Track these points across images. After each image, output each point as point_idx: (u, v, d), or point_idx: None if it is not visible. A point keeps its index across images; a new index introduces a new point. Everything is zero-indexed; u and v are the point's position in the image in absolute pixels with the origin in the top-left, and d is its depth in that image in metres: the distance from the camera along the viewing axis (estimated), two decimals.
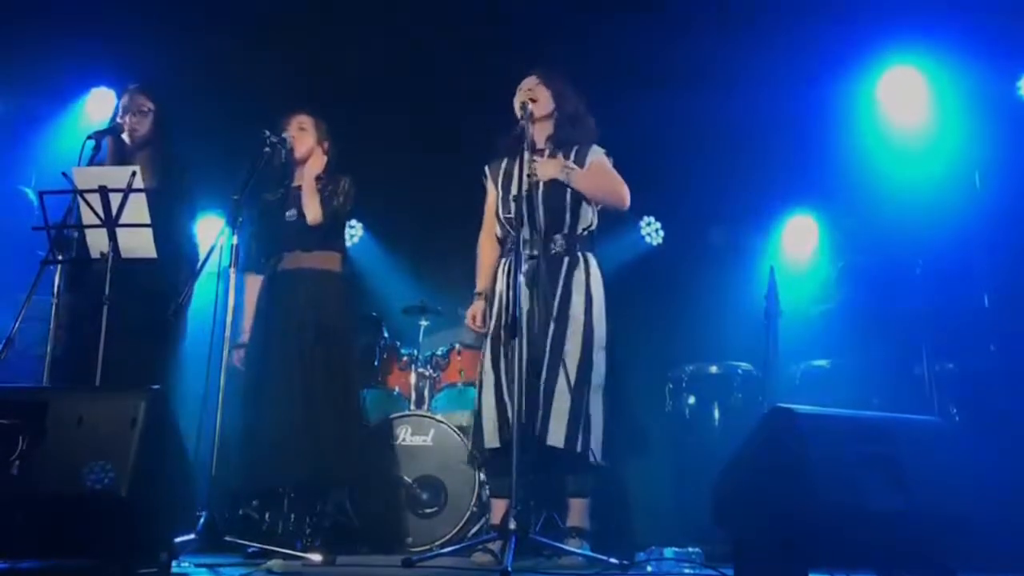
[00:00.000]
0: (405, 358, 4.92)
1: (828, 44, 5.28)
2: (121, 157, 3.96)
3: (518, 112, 3.62)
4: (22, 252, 4.44)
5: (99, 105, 5.77)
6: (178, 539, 2.93)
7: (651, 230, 6.27)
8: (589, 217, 3.68)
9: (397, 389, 4.90)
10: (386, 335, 4.99)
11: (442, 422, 4.52)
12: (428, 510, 4.39)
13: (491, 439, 3.47)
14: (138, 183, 3.48)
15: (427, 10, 5.67)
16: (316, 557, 3.47)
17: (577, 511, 3.54)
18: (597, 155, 3.72)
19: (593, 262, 3.65)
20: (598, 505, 3.67)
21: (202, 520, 3.39)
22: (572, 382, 3.43)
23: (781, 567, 2.60)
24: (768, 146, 5.55)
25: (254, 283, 4.07)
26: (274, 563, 3.25)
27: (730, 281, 5.65)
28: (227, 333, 3.70)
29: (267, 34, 5.66)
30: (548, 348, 3.46)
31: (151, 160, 3.92)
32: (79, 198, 3.51)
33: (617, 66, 5.63)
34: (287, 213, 4.01)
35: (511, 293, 3.52)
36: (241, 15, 5.60)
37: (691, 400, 4.75)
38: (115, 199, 3.48)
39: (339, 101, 4.92)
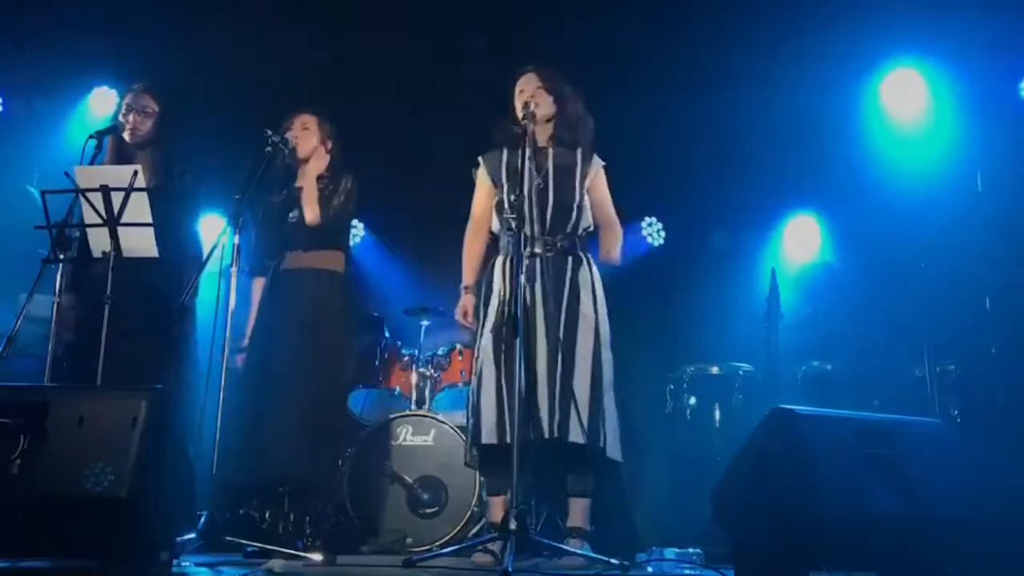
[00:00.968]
0: (406, 358, 4.92)
1: (831, 46, 5.28)
2: (121, 156, 3.96)
3: (519, 112, 3.60)
4: (24, 251, 4.45)
5: (101, 104, 5.78)
6: (179, 538, 2.93)
7: (652, 231, 6.27)
8: (589, 219, 3.69)
9: (398, 389, 4.90)
10: (387, 335, 5.00)
11: (443, 422, 4.52)
12: (429, 510, 4.39)
13: (488, 436, 3.46)
14: (139, 182, 3.48)
15: (428, 10, 5.67)
16: (317, 557, 3.47)
17: (579, 511, 3.53)
18: (598, 169, 3.72)
19: (593, 262, 3.66)
20: (599, 505, 3.66)
21: (203, 519, 3.39)
22: (588, 380, 3.43)
23: (782, 568, 2.60)
24: (770, 147, 5.55)
25: (259, 287, 4.07)
26: (275, 563, 3.25)
27: (731, 282, 5.66)
28: (228, 332, 3.71)
29: (270, 34, 5.66)
30: (561, 346, 3.46)
31: (152, 159, 3.92)
32: (81, 197, 3.51)
33: (619, 66, 5.63)
34: (290, 214, 4.01)
35: (511, 290, 3.52)
36: (243, 15, 5.60)
37: (692, 401, 4.74)
38: (117, 198, 3.48)
39: (340, 101, 4.91)
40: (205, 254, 3.71)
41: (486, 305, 3.64)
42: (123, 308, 3.53)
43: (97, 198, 3.48)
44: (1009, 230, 4.64)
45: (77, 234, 3.66)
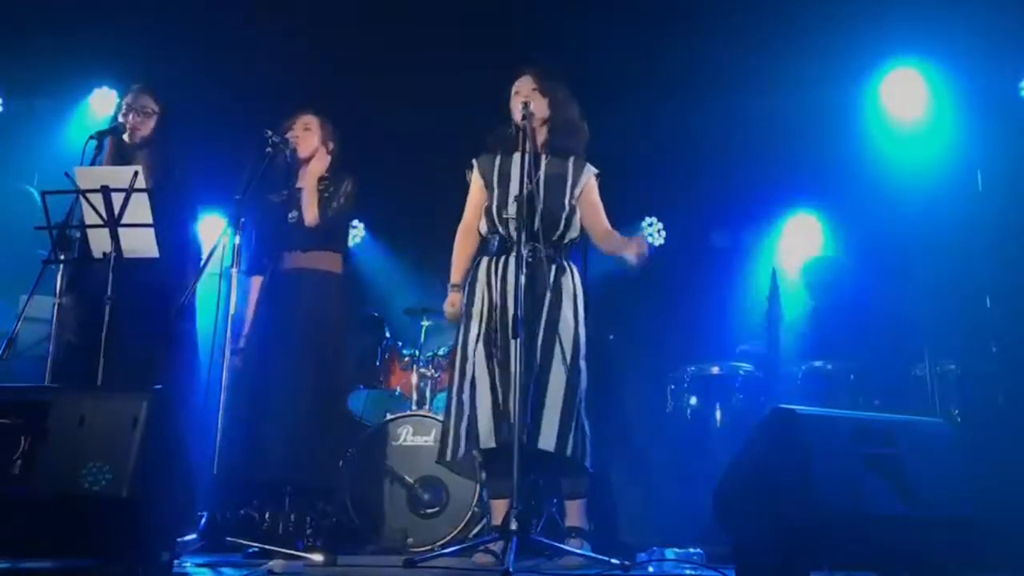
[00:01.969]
0: (407, 358, 4.92)
1: (831, 45, 5.28)
2: (121, 157, 3.96)
3: (518, 113, 3.58)
4: (24, 252, 4.45)
5: (102, 105, 5.79)
6: (180, 539, 2.93)
7: (653, 231, 6.27)
8: (577, 229, 3.66)
9: (398, 389, 4.90)
10: (388, 335, 5.00)
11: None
12: (429, 510, 4.39)
13: (487, 440, 3.45)
14: (140, 183, 3.48)
15: (430, 10, 5.68)
16: (317, 557, 3.47)
17: (575, 511, 3.53)
18: (590, 177, 3.69)
19: (576, 271, 3.64)
20: (599, 506, 3.66)
21: (203, 520, 3.39)
22: (564, 387, 3.41)
23: (782, 568, 2.60)
24: (770, 146, 5.55)
25: (257, 285, 4.06)
26: (275, 563, 3.25)
27: (732, 281, 5.66)
28: (228, 333, 3.71)
29: (270, 34, 5.66)
30: (539, 351, 3.45)
31: (152, 160, 3.92)
32: (81, 198, 3.51)
33: (619, 66, 5.63)
34: (290, 214, 4.01)
35: (500, 293, 3.51)
36: (244, 15, 5.60)
37: (692, 401, 4.74)
38: (117, 199, 3.48)
39: (341, 100, 4.91)
40: (204, 254, 3.71)
41: (469, 306, 3.62)
42: (123, 308, 3.52)
43: (97, 199, 3.48)
44: (1009, 229, 4.64)
45: (78, 235, 3.66)
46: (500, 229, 3.62)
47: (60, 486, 2.44)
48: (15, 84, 5.81)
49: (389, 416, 4.62)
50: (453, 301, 3.70)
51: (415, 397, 4.83)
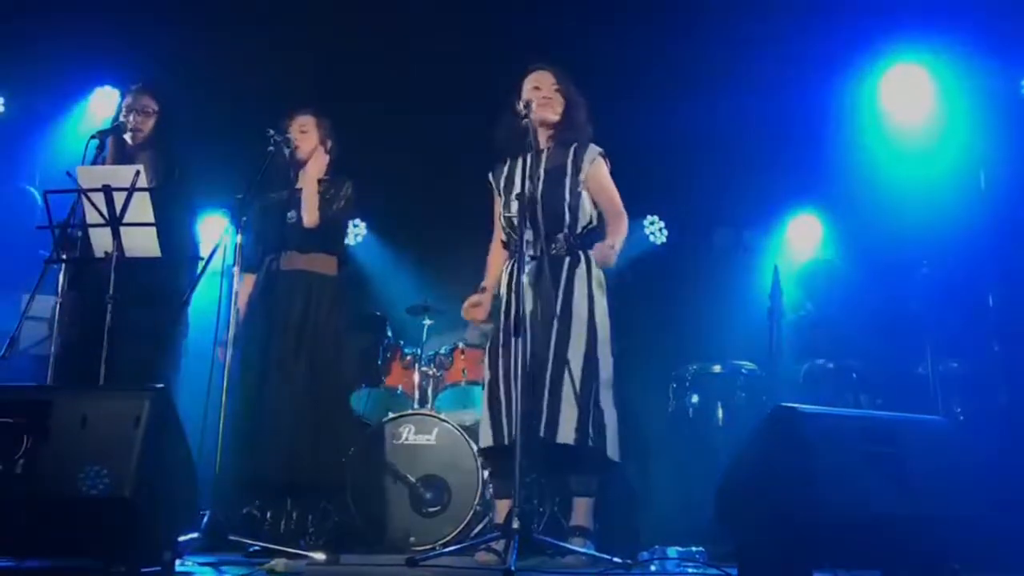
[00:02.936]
0: (408, 357, 4.92)
1: (832, 43, 5.28)
2: (123, 156, 3.96)
3: (522, 108, 3.54)
4: (26, 251, 4.46)
5: (103, 105, 5.77)
6: (182, 538, 2.93)
7: (655, 229, 6.27)
8: (588, 213, 3.64)
9: (400, 388, 4.90)
10: (389, 334, 5.00)
11: (445, 421, 4.52)
12: (432, 509, 4.39)
13: (485, 439, 3.49)
14: (142, 182, 3.48)
15: (431, 10, 5.67)
16: (319, 556, 3.47)
17: (581, 510, 3.53)
18: (595, 157, 3.67)
19: (594, 260, 3.64)
20: (602, 504, 3.66)
21: (206, 519, 3.39)
22: (578, 380, 3.42)
23: (784, 566, 2.60)
24: (772, 145, 5.55)
25: (248, 282, 4.05)
26: (277, 562, 3.24)
27: (734, 280, 5.65)
28: (231, 332, 3.72)
29: (270, 34, 5.66)
30: (552, 347, 3.46)
31: (153, 159, 3.92)
32: (83, 197, 3.51)
33: (622, 66, 5.63)
34: (288, 214, 4.01)
35: (513, 294, 3.53)
36: (244, 15, 5.60)
37: (695, 399, 4.74)
38: (119, 198, 3.48)
39: (343, 100, 4.92)
40: (204, 253, 3.71)
41: (497, 310, 3.68)
42: (125, 308, 3.52)
43: (99, 198, 3.48)
44: (1012, 228, 4.63)
45: (79, 234, 3.66)
46: (511, 232, 3.64)
47: (62, 485, 2.44)
48: (16, 84, 5.81)
49: (391, 415, 4.62)
50: (473, 301, 3.71)
51: (417, 396, 4.83)
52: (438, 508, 4.39)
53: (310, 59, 5.73)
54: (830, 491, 2.54)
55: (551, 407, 3.38)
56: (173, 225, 3.84)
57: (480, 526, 4.33)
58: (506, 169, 3.77)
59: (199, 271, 3.57)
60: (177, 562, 2.76)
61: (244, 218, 3.71)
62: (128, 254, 3.53)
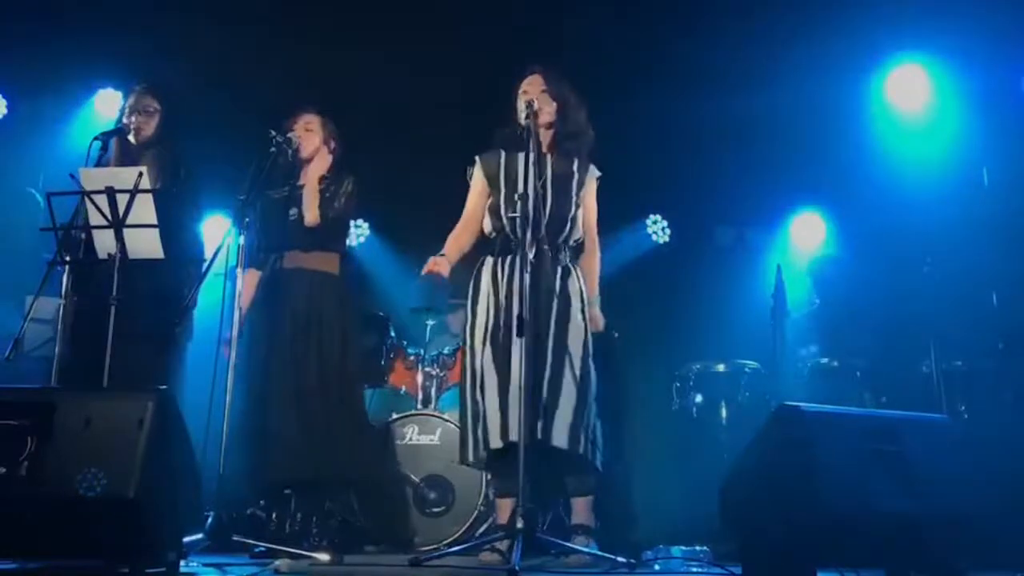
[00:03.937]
0: (412, 357, 4.92)
1: (835, 43, 5.27)
2: (126, 157, 3.96)
3: (522, 111, 3.57)
4: (29, 253, 4.46)
5: (106, 106, 5.79)
6: (186, 539, 2.93)
7: (657, 228, 6.27)
8: (580, 230, 3.67)
9: (404, 388, 4.90)
10: (393, 334, 4.99)
11: (449, 421, 4.52)
12: (435, 509, 4.39)
13: (495, 439, 3.46)
14: (144, 183, 3.48)
15: (434, 9, 5.67)
16: (323, 556, 3.48)
17: (581, 509, 3.53)
18: (593, 180, 3.71)
19: (580, 273, 3.64)
20: (605, 504, 3.66)
21: (210, 520, 3.39)
22: (575, 384, 3.42)
23: (789, 565, 2.60)
24: (775, 143, 5.54)
25: (252, 278, 4.04)
26: (281, 563, 3.25)
27: (737, 279, 5.65)
28: (234, 333, 3.72)
29: (273, 34, 5.66)
30: (551, 350, 3.45)
31: (157, 160, 3.92)
32: (86, 199, 3.51)
33: (623, 64, 5.63)
34: (290, 212, 4.01)
35: (506, 293, 3.51)
36: (246, 15, 5.61)
37: (698, 398, 4.74)
38: (122, 200, 3.48)
39: (345, 100, 4.92)
40: (207, 254, 3.71)
41: (474, 304, 3.62)
42: (128, 309, 3.53)
43: (102, 200, 3.49)
44: (1015, 225, 4.62)
45: (83, 236, 3.67)
46: (506, 228, 3.61)
47: (66, 487, 2.44)
48: (20, 86, 5.82)
49: (394, 415, 4.62)
50: (437, 261, 3.61)
51: (420, 396, 4.83)
52: (442, 508, 4.40)
53: (311, 59, 5.73)
54: (834, 490, 2.54)
55: (549, 410, 3.37)
56: (177, 226, 3.85)
57: (484, 526, 4.32)
58: (503, 160, 3.71)
59: (202, 272, 3.58)
60: (181, 563, 2.76)
61: (247, 219, 3.71)
62: (131, 256, 3.54)
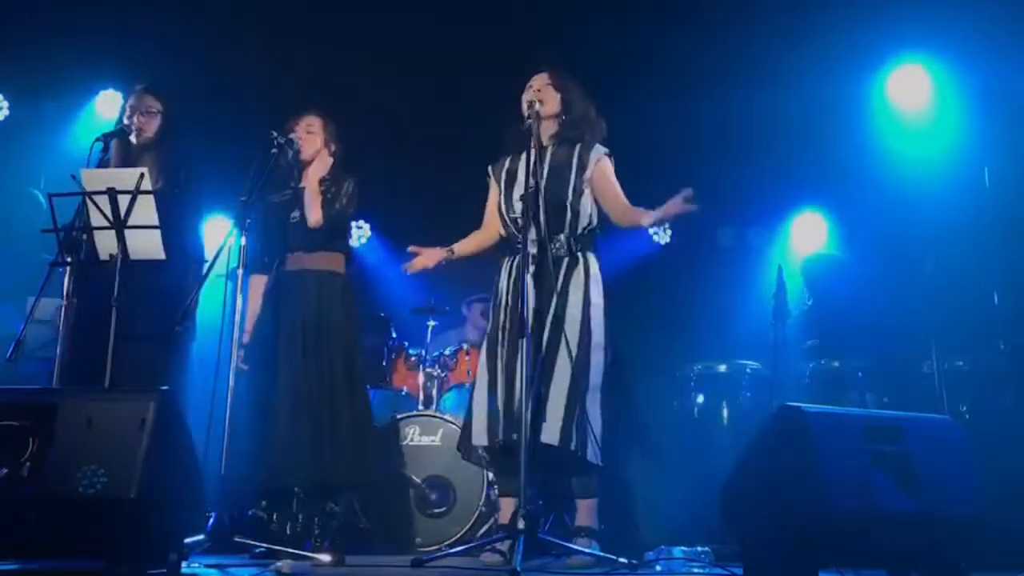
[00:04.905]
0: (413, 358, 4.93)
1: (837, 43, 5.27)
2: (127, 158, 3.96)
3: (525, 110, 3.61)
4: (30, 254, 4.46)
5: (108, 107, 5.80)
6: (188, 540, 2.94)
7: (659, 228, 6.26)
8: (588, 212, 3.64)
9: (405, 389, 4.91)
10: (394, 335, 5.00)
11: (450, 422, 4.52)
12: (437, 510, 4.40)
13: (479, 437, 3.49)
14: (146, 184, 3.49)
15: (434, 10, 5.67)
16: (325, 557, 3.48)
17: (584, 511, 3.53)
18: (600, 156, 3.67)
19: (593, 262, 3.62)
20: (607, 504, 3.66)
21: (211, 521, 3.40)
22: (568, 381, 3.41)
23: (790, 566, 2.60)
24: (776, 144, 5.54)
25: (258, 284, 4.05)
26: (283, 563, 3.26)
27: (738, 279, 5.65)
28: (236, 334, 3.72)
29: (274, 35, 5.66)
30: (544, 348, 3.45)
31: (158, 161, 3.92)
32: (88, 200, 3.52)
33: (625, 64, 5.62)
34: (292, 214, 4.00)
35: (512, 293, 3.53)
36: (247, 16, 5.61)
37: (699, 399, 4.73)
38: (123, 201, 3.48)
39: (346, 101, 4.91)
40: (208, 256, 3.71)
41: (495, 307, 3.69)
42: (130, 310, 3.53)
43: (104, 201, 3.49)
44: (1017, 226, 4.62)
45: (84, 237, 3.67)
46: (511, 229, 3.65)
47: (68, 487, 2.44)
48: (21, 87, 5.83)
49: (396, 416, 4.62)
50: (426, 251, 3.82)
51: (421, 397, 4.84)
52: (443, 509, 4.40)
53: (312, 60, 5.73)
54: (836, 490, 2.54)
55: (539, 407, 3.37)
56: (178, 226, 3.85)
57: (485, 527, 4.33)
58: (507, 164, 3.78)
59: (204, 273, 3.58)
60: (183, 564, 2.77)
61: (248, 220, 3.71)
62: (133, 257, 3.53)
